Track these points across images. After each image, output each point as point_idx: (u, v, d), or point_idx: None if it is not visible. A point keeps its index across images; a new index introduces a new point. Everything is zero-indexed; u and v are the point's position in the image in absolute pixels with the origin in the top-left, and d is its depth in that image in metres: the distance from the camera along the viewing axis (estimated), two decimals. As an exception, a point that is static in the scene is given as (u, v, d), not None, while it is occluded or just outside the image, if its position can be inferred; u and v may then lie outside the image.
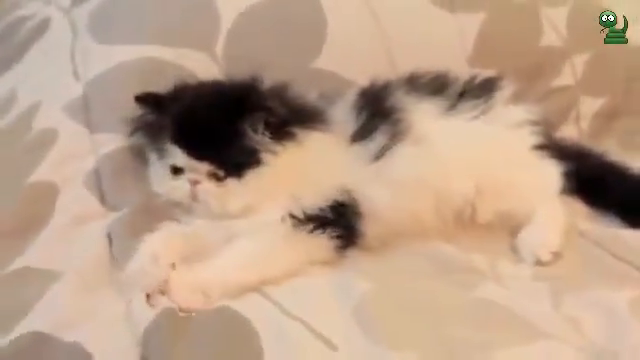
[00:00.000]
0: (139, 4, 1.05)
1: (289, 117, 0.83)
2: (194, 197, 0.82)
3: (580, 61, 1.25)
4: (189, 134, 0.81)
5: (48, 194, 0.85)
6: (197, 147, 0.80)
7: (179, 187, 0.83)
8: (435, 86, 0.97)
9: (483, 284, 0.81)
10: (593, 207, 1.00)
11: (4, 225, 0.81)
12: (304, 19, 1.08)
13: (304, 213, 0.81)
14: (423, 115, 0.92)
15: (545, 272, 0.86)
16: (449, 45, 1.16)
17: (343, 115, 0.91)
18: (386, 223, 0.85)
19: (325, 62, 1.06)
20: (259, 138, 0.81)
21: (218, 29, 1.02)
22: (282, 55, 1.04)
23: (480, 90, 0.99)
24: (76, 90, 0.96)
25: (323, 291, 0.77)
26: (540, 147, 0.98)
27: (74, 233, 0.82)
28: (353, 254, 0.84)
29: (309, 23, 1.08)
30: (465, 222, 0.93)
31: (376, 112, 0.91)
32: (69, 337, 0.67)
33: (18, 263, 0.78)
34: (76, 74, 1.00)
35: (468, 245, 0.90)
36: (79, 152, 0.90)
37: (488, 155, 0.92)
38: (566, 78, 1.24)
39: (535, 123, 0.99)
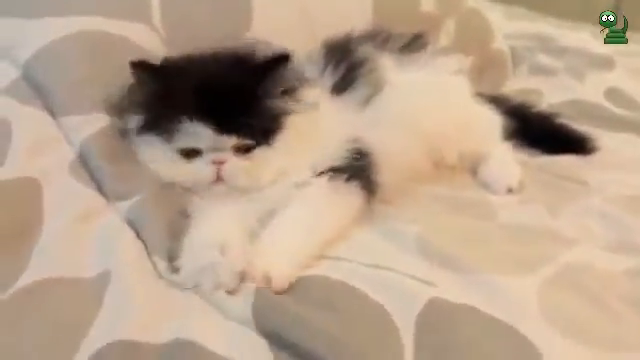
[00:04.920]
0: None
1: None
2: (219, 178, 0.74)
3: (451, 24, 1.38)
4: (213, 109, 0.73)
5: (29, 193, 0.68)
6: (223, 121, 0.73)
7: (199, 171, 0.74)
8: (383, 40, 0.99)
9: (496, 213, 0.87)
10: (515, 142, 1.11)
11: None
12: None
13: (330, 167, 0.79)
14: (387, 66, 0.94)
15: (523, 197, 0.94)
16: (352, 12, 1.20)
17: (317, 71, 0.90)
18: (396, 169, 0.86)
19: (257, 32, 1.02)
20: (278, 100, 0.77)
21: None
22: (217, 24, 0.98)
23: (414, 44, 1.03)
24: (7, 72, 0.79)
25: (382, 241, 0.76)
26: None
27: (83, 233, 0.67)
28: (381, 208, 0.83)
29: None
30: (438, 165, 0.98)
31: (351, 64, 0.91)
32: (161, 338, 0.57)
33: (27, 278, 0.62)
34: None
35: (454, 185, 0.95)
36: (47, 140, 0.74)
37: (446, 101, 0.97)
38: (444, 39, 1.36)
39: (464, 72, 1.07)
